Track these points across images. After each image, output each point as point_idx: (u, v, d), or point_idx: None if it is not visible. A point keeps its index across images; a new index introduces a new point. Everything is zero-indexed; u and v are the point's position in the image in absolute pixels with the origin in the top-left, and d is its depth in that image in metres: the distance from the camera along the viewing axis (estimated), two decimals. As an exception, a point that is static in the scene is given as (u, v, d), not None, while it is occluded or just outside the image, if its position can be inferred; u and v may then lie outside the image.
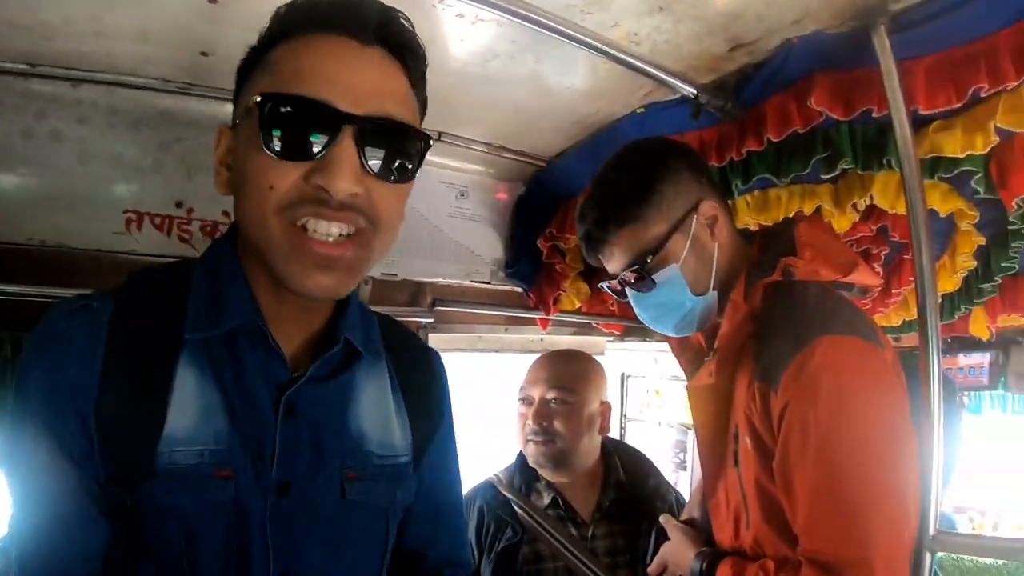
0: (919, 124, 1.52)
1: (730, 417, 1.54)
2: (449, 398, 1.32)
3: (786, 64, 1.59)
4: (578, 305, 2.72)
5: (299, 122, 0.89)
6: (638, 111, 1.88)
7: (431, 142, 0.99)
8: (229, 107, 2.01)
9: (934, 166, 1.61)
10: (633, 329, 3.29)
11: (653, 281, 1.54)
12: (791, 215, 1.88)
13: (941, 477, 1.41)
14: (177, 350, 0.97)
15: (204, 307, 1.00)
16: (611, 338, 3.39)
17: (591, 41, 1.44)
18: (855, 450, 1.30)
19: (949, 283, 2.26)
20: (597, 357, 2.56)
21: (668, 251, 1.53)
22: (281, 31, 0.97)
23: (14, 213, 2.06)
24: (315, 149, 0.88)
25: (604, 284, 1.68)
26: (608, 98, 1.87)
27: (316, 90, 0.89)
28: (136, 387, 0.94)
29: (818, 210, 1.86)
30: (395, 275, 2.37)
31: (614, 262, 1.59)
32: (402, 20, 0.99)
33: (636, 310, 1.64)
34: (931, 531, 1.38)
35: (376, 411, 1.13)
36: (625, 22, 1.47)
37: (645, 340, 3.48)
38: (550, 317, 2.69)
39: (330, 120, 0.88)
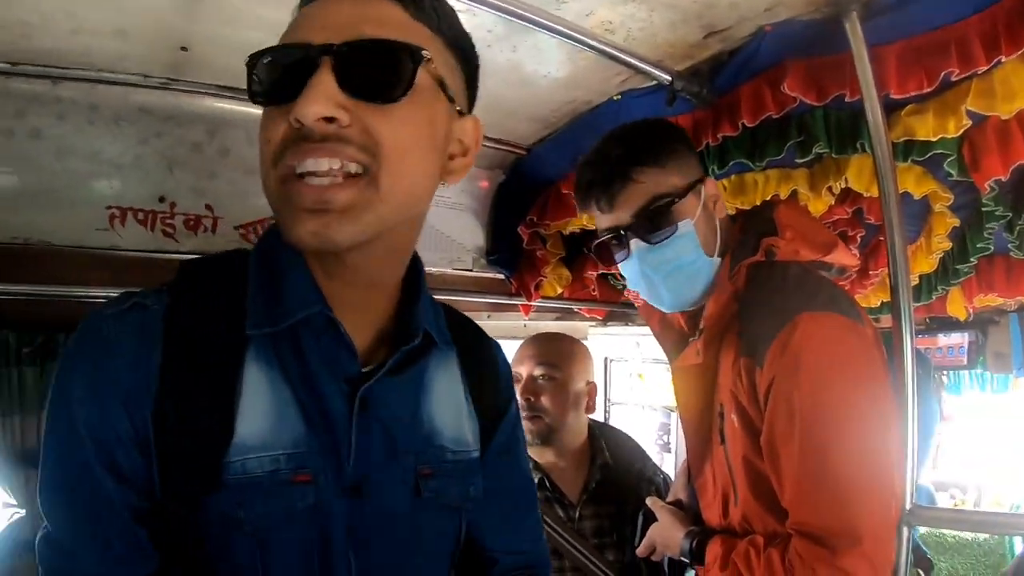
0: (892, 108, 1.54)
1: (714, 396, 1.57)
2: (512, 388, 1.25)
3: (759, 51, 1.61)
4: (560, 291, 2.76)
5: (279, 67, 0.85)
6: (614, 98, 1.89)
7: (423, 54, 0.86)
8: (208, 101, 2.07)
9: (908, 149, 1.64)
10: (615, 314, 3.33)
11: (674, 227, 1.52)
12: (768, 199, 1.90)
13: (916, 452, 1.44)
14: (242, 348, 0.90)
15: (263, 299, 0.93)
16: (593, 323, 3.44)
17: (567, 30, 1.45)
18: (839, 423, 1.34)
19: (925, 264, 2.30)
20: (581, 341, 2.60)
21: (685, 204, 1.53)
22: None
23: (-5, 212, 2.07)
24: (295, 88, 0.82)
25: (604, 238, 1.62)
26: (584, 86, 1.89)
27: (294, 36, 0.86)
28: (200, 391, 0.87)
29: (794, 194, 1.89)
30: (380, 263, 2.39)
31: (629, 204, 1.54)
32: None
33: (637, 272, 1.59)
34: (908, 505, 1.42)
35: (448, 404, 1.06)
36: (600, 11, 1.49)
37: (627, 325, 3.51)
38: (532, 303, 2.72)
39: (305, 56, 0.82)
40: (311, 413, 0.91)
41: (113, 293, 2.13)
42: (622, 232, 1.56)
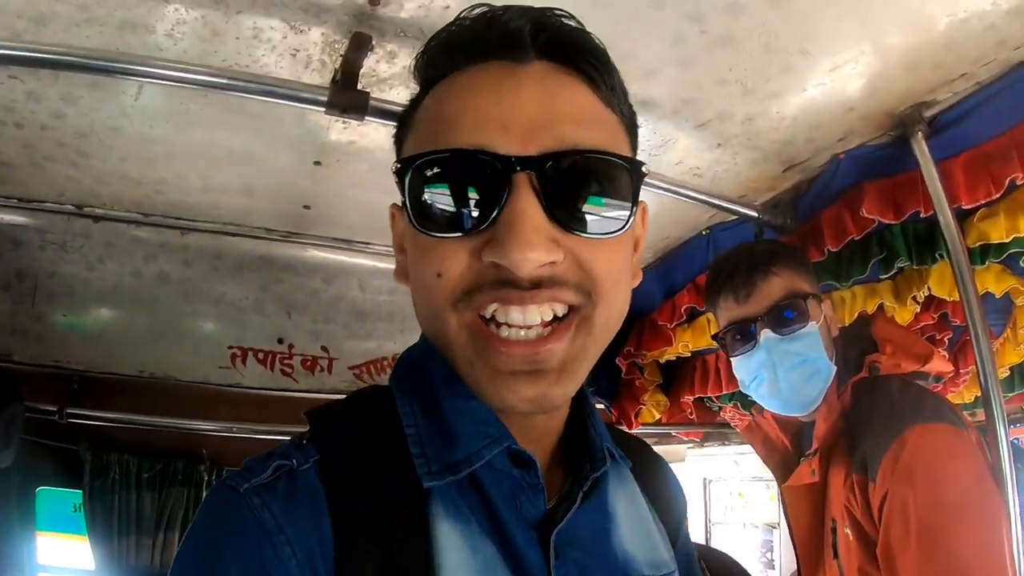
0: (965, 214, 1.63)
1: (825, 512, 1.61)
2: (685, 499, 1.06)
3: (835, 177, 1.74)
4: (658, 416, 2.84)
5: (453, 183, 0.66)
6: (703, 233, 2.00)
7: (644, 169, 0.70)
8: (325, 252, 2.26)
9: (984, 252, 1.70)
10: (712, 434, 3.35)
11: (805, 323, 1.57)
12: (855, 315, 1.97)
13: (1021, 547, 1.45)
14: (423, 503, 0.70)
15: (431, 439, 0.74)
16: (691, 444, 3.46)
17: (660, 182, 1.60)
18: (955, 529, 1.38)
19: (1014, 355, 2.31)
20: (678, 464, 2.64)
21: (813, 307, 1.60)
22: (425, 80, 0.77)
23: (123, 347, 2.29)
24: (480, 214, 0.65)
25: (730, 328, 1.66)
26: (675, 224, 2.03)
27: (468, 137, 0.66)
28: (390, 568, 0.67)
29: (880, 307, 1.95)
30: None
31: (766, 296, 1.60)
32: (562, 18, 0.74)
33: (762, 362, 1.62)
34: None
35: (635, 524, 0.85)
36: (689, 159, 1.63)
37: (724, 444, 3.52)
38: (632, 431, 2.77)
39: (493, 171, 0.64)
40: (515, 571, 0.71)
41: (234, 428, 2.32)
42: (753, 324, 1.61)
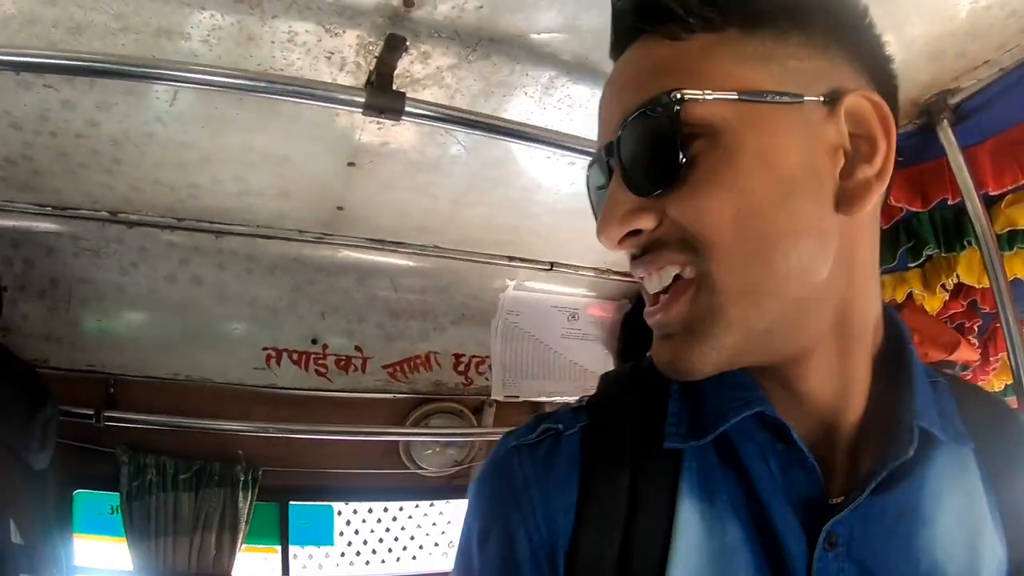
0: (992, 201, 1.64)
1: None
2: None
3: (862, 166, 1.72)
4: None
5: (595, 181, 0.74)
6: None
7: (672, 96, 0.62)
8: (358, 253, 2.29)
9: (1012, 238, 1.72)
10: None
11: None
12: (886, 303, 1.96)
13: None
14: (674, 474, 0.68)
15: (688, 404, 0.73)
16: None
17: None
18: None
19: (1046, 341, 2.31)
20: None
21: None
22: None
23: (158, 350, 2.32)
24: None
25: None
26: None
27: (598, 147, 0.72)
28: (627, 541, 0.67)
29: (909, 295, 1.96)
30: (517, 397, 2.58)
31: None
32: None
33: None
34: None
35: (959, 527, 0.69)
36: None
37: None
38: None
39: (601, 164, 0.71)
40: (761, 559, 0.66)
41: (270, 428, 2.35)
42: None
